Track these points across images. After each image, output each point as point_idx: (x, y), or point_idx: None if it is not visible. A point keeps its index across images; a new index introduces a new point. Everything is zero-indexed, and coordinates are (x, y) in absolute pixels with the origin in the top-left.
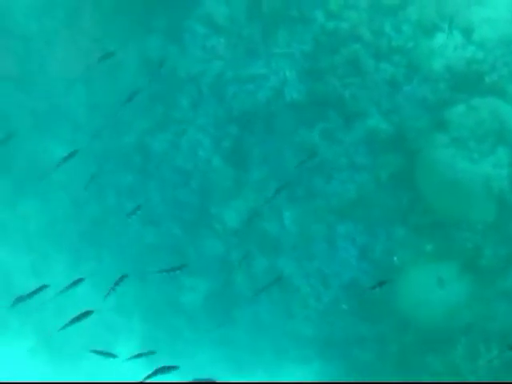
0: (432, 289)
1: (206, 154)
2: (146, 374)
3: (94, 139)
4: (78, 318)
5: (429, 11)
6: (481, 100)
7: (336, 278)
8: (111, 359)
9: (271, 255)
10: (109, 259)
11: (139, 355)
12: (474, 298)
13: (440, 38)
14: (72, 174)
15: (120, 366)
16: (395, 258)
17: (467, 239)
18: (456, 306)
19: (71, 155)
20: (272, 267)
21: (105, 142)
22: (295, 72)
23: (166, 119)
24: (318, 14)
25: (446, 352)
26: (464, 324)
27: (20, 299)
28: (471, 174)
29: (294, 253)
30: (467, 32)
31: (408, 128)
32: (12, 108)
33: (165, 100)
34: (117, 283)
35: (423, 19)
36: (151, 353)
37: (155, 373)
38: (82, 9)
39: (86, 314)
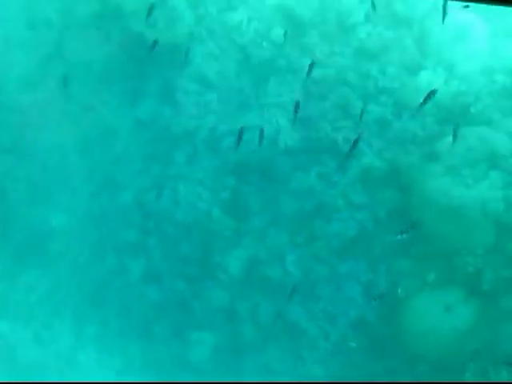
0: (438, 317)
1: (205, 206)
2: None
3: (91, 202)
4: None
5: (411, 52)
6: (469, 129)
7: (343, 317)
8: None
9: (276, 301)
10: (113, 321)
11: None
12: (480, 322)
13: (424, 76)
14: (71, 240)
15: None
16: (399, 291)
17: (468, 264)
18: (463, 332)
19: None
20: (278, 313)
21: (103, 204)
22: (287, 120)
23: (163, 176)
24: (305, 63)
25: (456, 380)
26: (472, 349)
27: None
28: (467, 199)
29: (299, 296)
30: (450, 67)
31: (401, 163)
32: (8, 179)
33: (161, 158)
34: None
35: (406, 60)
36: None
37: None
38: (74, 78)
39: None
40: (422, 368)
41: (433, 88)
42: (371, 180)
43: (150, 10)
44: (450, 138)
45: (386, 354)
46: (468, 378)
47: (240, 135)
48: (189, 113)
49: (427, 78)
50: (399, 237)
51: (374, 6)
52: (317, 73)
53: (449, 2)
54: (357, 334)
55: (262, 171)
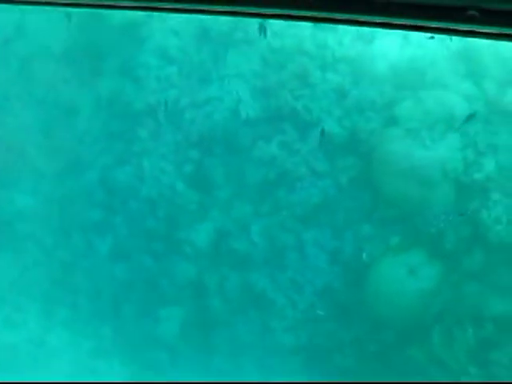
0: (402, 280)
1: (170, 180)
2: None
3: (56, 183)
4: None
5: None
6: (426, 93)
7: (309, 285)
8: None
9: (243, 272)
10: (83, 302)
11: None
12: (444, 283)
13: (379, 44)
14: (38, 222)
15: None
16: (364, 255)
17: (430, 225)
18: (427, 294)
19: None
20: (245, 284)
21: (67, 184)
22: (248, 91)
23: (127, 153)
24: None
25: (424, 342)
26: (437, 311)
27: None
28: (426, 160)
29: (265, 267)
30: (405, 34)
31: (361, 130)
32: None
33: (124, 135)
34: None
35: (361, 29)
36: None
37: None
38: (34, 58)
39: None
40: (389, 334)
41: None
42: (332, 147)
43: None
44: (409, 103)
45: (353, 320)
46: (435, 341)
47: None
48: (150, 88)
49: (382, 46)
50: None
51: None
52: (275, 43)
53: None
54: (324, 302)
55: (225, 143)
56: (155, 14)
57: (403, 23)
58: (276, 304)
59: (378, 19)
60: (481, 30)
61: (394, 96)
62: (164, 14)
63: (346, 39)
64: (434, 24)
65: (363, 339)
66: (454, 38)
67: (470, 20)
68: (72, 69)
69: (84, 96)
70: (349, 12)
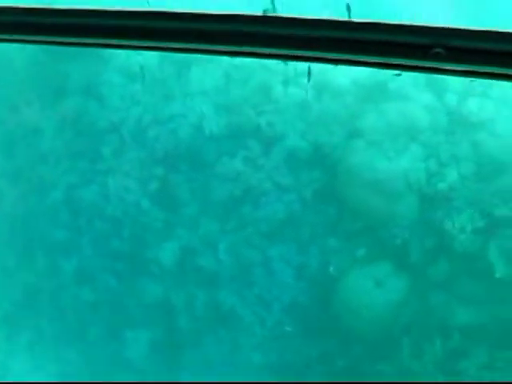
0: (370, 293)
1: (134, 198)
2: None
3: (19, 203)
4: None
5: None
6: (388, 105)
7: (277, 302)
8: None
9: (210, 290)
10: (47, 325)
11: None
12: (410, 294)
13: None
14: (1, 243)
15: None
16: (331, 269)
17: (395, 236)
18: (395, 306)
19: None
20: (213, 302)
21: (31, 204)
22: (211, 107)
23: (91, 172)
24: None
25: (393, 355)
26: (405, 323)
27: None
28: (390, 171)
29: (232, 284)
30: None
31: (324, 143)
32: None
33: (88, 154)
34: None
35: None
36: None
37: None
38: None
39: None
40: (358, 348)
41: None
42: (296, 162)
43: None
44: (371, 116)
45: (322, 335)
46: (404, 353)
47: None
48: (114, 106)
49: None
50: None
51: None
52: (237, 59)
53: None
54: (292, 318)
55: (190, 159)
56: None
57: (369, 61)
58: (244, 321)
59: (346, 57)
60: (446, 68)
61: (356, 109)
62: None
63: None
64: (400, 61)
65: (332, 354)
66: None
67: (436, 57)
68: (35, 89)
69: (47, 116)
70: (315, 50)
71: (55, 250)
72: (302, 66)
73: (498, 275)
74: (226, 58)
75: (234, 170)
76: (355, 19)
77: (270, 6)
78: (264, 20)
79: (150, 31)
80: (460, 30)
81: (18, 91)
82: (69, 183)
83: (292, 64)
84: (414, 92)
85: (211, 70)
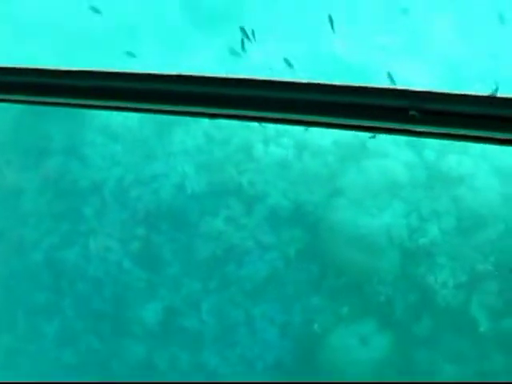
0: (354, 350)
1: (116, 259)
2: None
3: None
4: None
5: None
6: (368, 162)
7: (260, 361)
8: None
9: (194, 350)
10: None
11: None
12: (395, 351)
13: None
14: None
15: None
16: (315, 327)
17: (379, 293)
18: (379, 363)
19: None
20: (196, 363)
21: (12, 265)
22: (193, 166)
23: (73, 232)
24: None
25: None
26: (389, 380)
27: None
28: (372, 228)
29: (216, 344)
30: None
31: (306, 201)
32: None
33: (69, 214)
34: None
35: None
36: None
37: None
38: None
39: None
40: None
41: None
42: (277, 220)
43: None
44: (352, 173)
45: None
46: None
47: None
48: (95, 166)
49: None
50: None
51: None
52: (218, 119)
53: None
54: (276, 377)
55: (172, 219)
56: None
57: (345, 123)
58: (227, 381)
59: (323, 119)
60: (421, 130)
61: (337, 167)
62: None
63: None
64: (376, 124)
65: None
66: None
67: (411, 120)
68: (16, 150)
69: (28, 177)
70: (292, 112)
71: (36, 312)
72: (283, 125)
73: (481, 329)
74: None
75: (217, 229)
76: (331, 82)
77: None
78: (243, 82)
79: (130, 92)
80: (435, 93)
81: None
82: (50, 244)
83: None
84: (394, 149)
85: (192, 130)
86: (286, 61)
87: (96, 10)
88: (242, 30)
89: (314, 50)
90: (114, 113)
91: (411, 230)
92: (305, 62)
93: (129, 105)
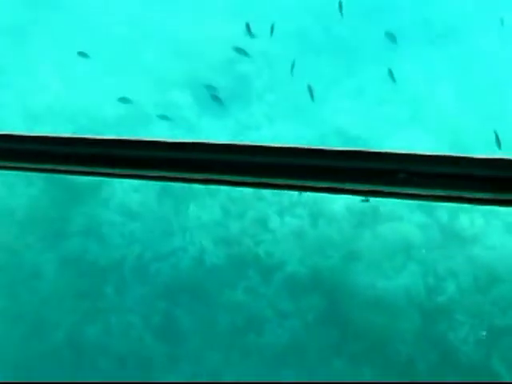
0: None
1: (138, 334)
2: None
3: (22, 345)
4: None
5: None
6: (383, 226)
7: None
8: None
9: None
10: None
11: None
12: None
13: None
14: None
15: None
16: None
17: (400, 353)
18: None
19: None
20: None
21: (33, 345)
22: (211, 240)
23: (94, 310)
24: (222, 188)
25: None
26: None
27: None
28: (390, 290)
29: None
30: None
31: (323, 267)
32: None
33: (90, 293)
34: None
35: None
36: None
37: None
38: None
39: None
40: None
41: None
42: (296, 287)
43: None
44: (367, 237)
45: None
46: None
47: None
48: (114, 244)
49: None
50: None
51: None
52: (234, 192)
53: None
54: None
55: (191, 292)
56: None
57: (338, 187)
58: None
59: (321, 184)
60: (411, 192)
61: (352, 232)
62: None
63: None
64: (367, 187)
65: None
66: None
67: (401, 183)
68: (35, 231)
69: (48, 257)
70: (295, 178)
71: None
72: (296, 196)
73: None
74: (222, 192)
75: (236, 300)
76: (327, 147)
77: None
78: (240, 148)
79: (147, 160)
80: (422, 155)
81: (18, 233)
82: (71, 323)
83: (286, 194)
84: (406, 212)
85: (209, 205)
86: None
87: (84, 55)
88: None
89: (321, 127)
90: (131, 191)
91: (429, 290)
92: (312, 138)
93: (143, 173)
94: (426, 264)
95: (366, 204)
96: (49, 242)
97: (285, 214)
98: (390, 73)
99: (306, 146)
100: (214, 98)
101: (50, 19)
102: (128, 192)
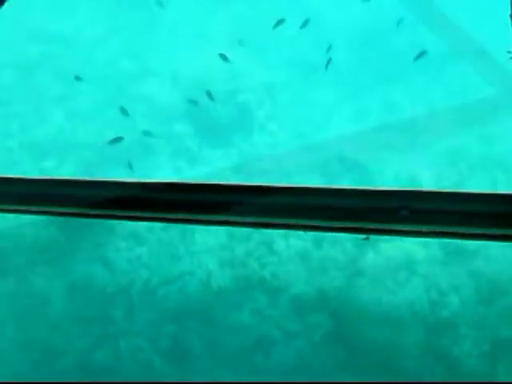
0: None
1: (147, 357)
2: None
3: (32, 371)
4: None
5: None
6: (385, 245)
7: None
8: None
9: None
10: None
11: None
12: None
13: None
14: None
15: None
16: None
17: (406, 367)
18: None
19: None
20: None
21: (43, 371)
22: (217, 263)
23: (103, 335)
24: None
25: None
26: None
27: None
28: (394, 304)
29: None
30: None
31: (328, 287)
32: None
33: (98, 318)
34: None
35: None
36: None
37: None
38: (4, 251)
39: None
40: None
41: None
42: (302, 308)
43: None
44: (370, 255)
45: None
46: None
47: None
48: (121, 269)
49: None
50: None
51: None
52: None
53: None
54: None
55: (199, 315)
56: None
57: (341, 226)
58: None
59: (322, 223)
60: (411, 229)
61: (355, 252)
62: None
63: None
64: (369, 226)
65: None
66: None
67: (402, 220)
68: (43, 258)
69: (56, 284)
70: (298, 218)
71: None
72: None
73: None
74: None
75: (243, 322)
76: (328, 186)
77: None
78: (249, 189)
79: (154, 202)
80: (423, 192)
81: (27, 261)
82: (80, 348)
83: None
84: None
85: (214, 230)
86: None
87: (79, 78)
88: None
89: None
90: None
91: (433, 304)
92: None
93: (149, 215)
94: (428, 280)
95: None
96: (57, 268)
97: (289, 237)
98: None
99: (305, 185)
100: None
101: (55, 53)
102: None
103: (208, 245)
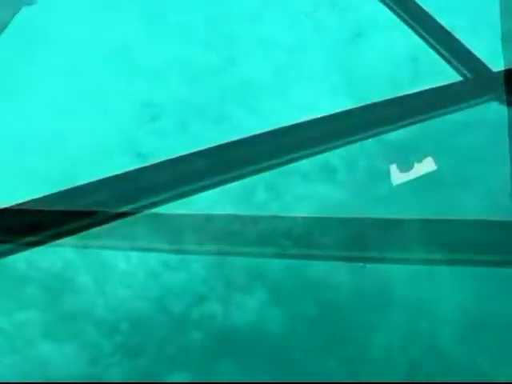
0: None
1: None
2: None
3: None
4: None
5: None
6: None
7: None
8: None
9: None
10: None
11: None
12: None
13: None
14: None
15: None
16: None
17: None
18: None
19: None
20: None
21: None
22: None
23: None
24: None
25: None
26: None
27: None
28: None
29: None
30: None
31: (341, 335)
32: None
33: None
34: None
35: None
36: None
37: None
38: None
39: None
40: None
41: None
42: None
43: None
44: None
45: None
46: None
47: None
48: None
49: None
50: None
51: None
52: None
53: None
54: None
55: None
56: None
57: (336, 254)
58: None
59: (320, 252)
60: (409, 257)
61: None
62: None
63: None
64: (366, 254)
65: None
66: None
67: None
68: (47, 321)
69: (61, 347)
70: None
71: None
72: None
73: None
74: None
75: None
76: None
77: None
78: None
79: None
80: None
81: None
82: None
83: None
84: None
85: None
86: None
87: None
88: None
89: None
90: (134, 263)
91: None
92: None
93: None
94: None
95: None
96: (62, 330)
97: None
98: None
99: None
100: None
101: (41, 57)
102: (129, 264)
103: None
